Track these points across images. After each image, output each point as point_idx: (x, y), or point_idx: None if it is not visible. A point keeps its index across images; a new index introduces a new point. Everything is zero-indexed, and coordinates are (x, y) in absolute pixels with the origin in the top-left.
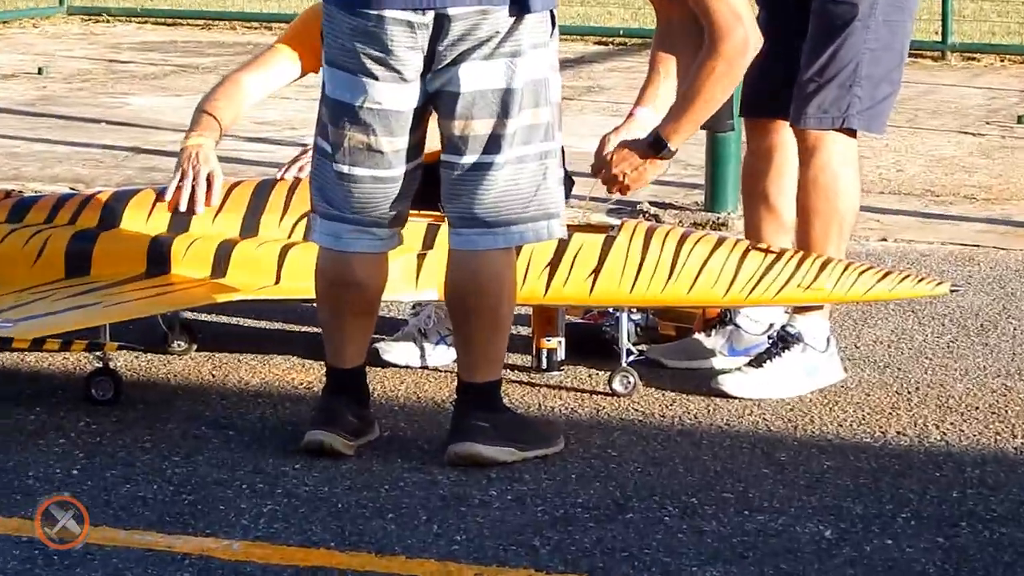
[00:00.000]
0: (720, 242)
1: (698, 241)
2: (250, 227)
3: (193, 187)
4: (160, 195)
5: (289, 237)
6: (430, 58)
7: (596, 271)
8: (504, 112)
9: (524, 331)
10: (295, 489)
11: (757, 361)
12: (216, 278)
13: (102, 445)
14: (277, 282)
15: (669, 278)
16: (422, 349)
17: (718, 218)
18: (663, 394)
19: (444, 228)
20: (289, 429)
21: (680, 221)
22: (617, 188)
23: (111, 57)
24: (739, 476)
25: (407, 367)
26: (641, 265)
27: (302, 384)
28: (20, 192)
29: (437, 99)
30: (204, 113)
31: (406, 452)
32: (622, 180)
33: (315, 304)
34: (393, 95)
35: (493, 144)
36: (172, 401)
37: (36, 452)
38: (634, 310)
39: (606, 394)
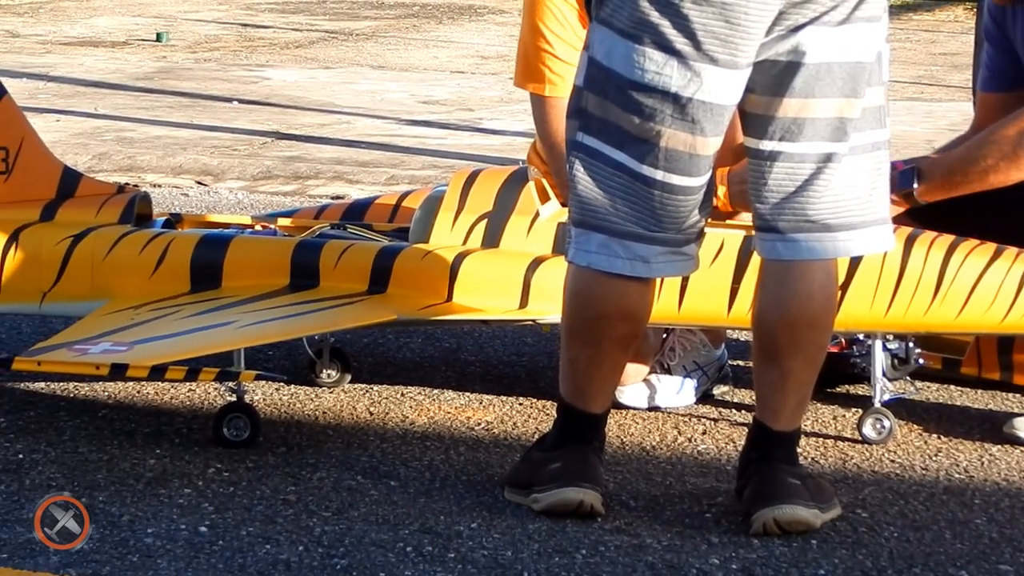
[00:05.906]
0: (999, 253)
1: (971, 252)
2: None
3: None
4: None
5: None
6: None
7: (843, 287)
8: (852, 91)
9: (741, 361)
10: (471, 553)
11: None
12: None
13: (236, 496)
14: (523, 305)
15: (934, 298)
16: (653, 388)
17: None
18: (925, 442)
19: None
20: (464, 479)
21: None
22: None
23: (245, 20)
24: (1020, 545)
25: (631, 408)
26: (899, 281)
27: (480, 424)
28: (135, 187)
29: (761, 73)
30: None
31: (607, 509)
32: None
33: (564, 335)
34: (726, 84)
35: (837, 130)
36: (321, 444)
37: (156, 504)
38: (890, 337)
39: (855, 441)
